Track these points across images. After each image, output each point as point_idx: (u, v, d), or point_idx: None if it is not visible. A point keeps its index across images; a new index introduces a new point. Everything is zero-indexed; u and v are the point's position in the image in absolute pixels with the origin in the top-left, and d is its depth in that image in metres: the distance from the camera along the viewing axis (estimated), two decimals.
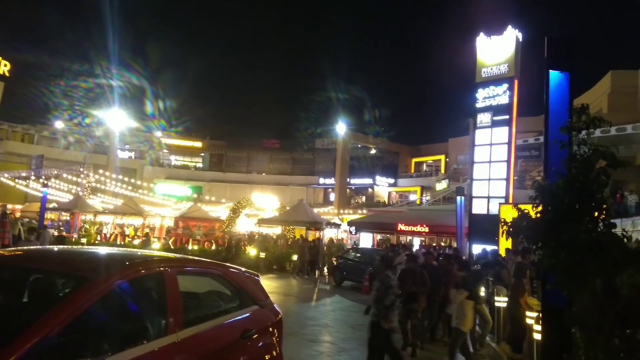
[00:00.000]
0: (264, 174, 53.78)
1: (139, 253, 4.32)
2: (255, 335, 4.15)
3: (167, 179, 50.71)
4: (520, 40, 20.73)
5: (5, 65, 36.60)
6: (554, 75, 4.52)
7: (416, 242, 28.30)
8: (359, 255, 19.10)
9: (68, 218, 27.09)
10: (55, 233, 21.09)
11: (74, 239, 21.92)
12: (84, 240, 21.99)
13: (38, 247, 4.97)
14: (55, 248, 4.20)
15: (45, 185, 23.65)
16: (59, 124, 46.34)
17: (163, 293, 3.40)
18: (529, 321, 7.00)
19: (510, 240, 12.73)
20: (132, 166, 49.08)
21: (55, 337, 2.53)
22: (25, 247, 4.41)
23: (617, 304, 3.62)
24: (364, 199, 50.98)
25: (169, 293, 3.41)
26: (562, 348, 3.93)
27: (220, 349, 3.69)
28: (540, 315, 4.86)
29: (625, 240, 3.51)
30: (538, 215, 3.97)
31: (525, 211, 3.96)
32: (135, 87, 44.39)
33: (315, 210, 29.11)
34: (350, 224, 30.20)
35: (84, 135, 45.68)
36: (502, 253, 13.88)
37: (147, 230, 25.64)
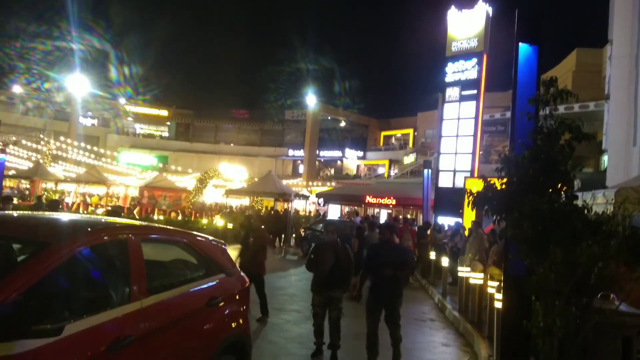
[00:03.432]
0: (232, 144, 53.17)
1: (103, 220, 4.22)
2: (222, 303, 4.14)
3: (131, 147, 49.58)
4: (490, 15, 20.82)
5: None
6: (523, 48, 4.54)
7: (383, 215, 28.72)
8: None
9: (28, 186, 26.27)
10: (16, 201, 20.42)
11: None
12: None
13: None
14: (15, 213, 4.05)
15: (2, 152, 22.75)
16: (16, 89, 44.45)
17: (126, 260, 3.32)
18: (489, 290, 7.22)
19: (474, 212, 12.99)
20: (95, 134, 47.76)
21: (11, 304, 2.44)
22: None
23: (576, 273, 3.75)
24: (332, 171, 51.16)
25: (133, 260, 3.34)
26: (522, 315, 4.05)
27: (186, 316, 3.66)
28: (502, 283, 5.01)
29: (585, 211, 3.61)
30: (503, 187, 4.04)
31: (491, 182, 4.02)
32: (97, 52, 42.93)
33: (284, 182, 29.07)
34: (318, 195, 30.35)
35: (43, 100, 43.97)
36: (467, 224, 14.22)
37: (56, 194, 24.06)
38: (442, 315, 9.88)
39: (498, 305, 6.00)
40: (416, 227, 17.92)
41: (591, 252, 3.67)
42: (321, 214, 29.38)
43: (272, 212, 23.51)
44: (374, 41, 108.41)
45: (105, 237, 3.33)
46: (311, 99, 44.64)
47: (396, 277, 6.08)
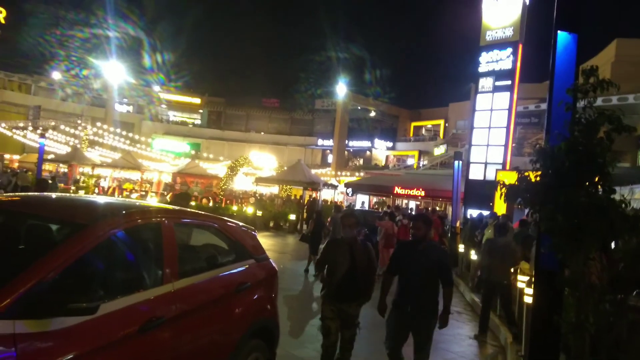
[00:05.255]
0: (262, 133, 53.50)
1: (137, 203, 4.32)
2: (251, 288, 4.19)
3: (165, 134, 50.45)
4: (527, 3, 20.28)
5: (1, 12, 35.76)
6: (562, 36, 4.39)
7: (412, 206, 28.52)
8: None
9: (66, 170, 27.06)
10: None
11: (71, 191, 21.95)
12: (82, 192, 22.03)
13: (35, 193, 4.96)
14: (53, 195, 4.18)
15: (42, 136, 23.49)
16: (56, 75, 45.68)
17: (159, 243, 3.40)
18: (519, 285, 7.11)
19: (505, 205, 12.79)
20: (130, 120, 48.71)
21: (49, 283, 2.53)
22: (23, 194, 4.40)
23: (611, 268, 3.66)
24: (361, 161, 50.97)
25: (166, 243, 3.41)
26: (552, 310, 3.97)
27: (216, 300, 3.73)
28: (533, 278, 4.92)
29: (623, 205, 3.51)
30: (537, 179, 3.95)
31: (525, 174, 3.94)
32: (132, 39, 43.63)
33: (313, 171, 29.12)
34: (347, 185, 30.31)
35: (81, 87, 45.09)
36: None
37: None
38: (470, 308, 9.79)
39: (528, 300, 5.91)
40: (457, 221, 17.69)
41: (628, 247, 3.57)
42: (349, 203, 29.38)
43: (300, 200, 23.65)
44: (406, 30, 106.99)
45: (139, 220, 3.41)
46: (341, 89, 44.42)
47: (431, 289, 4.76)
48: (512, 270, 7.68)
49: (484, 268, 7.94)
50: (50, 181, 17.83)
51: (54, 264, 2.61)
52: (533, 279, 5.02)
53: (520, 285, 7.05)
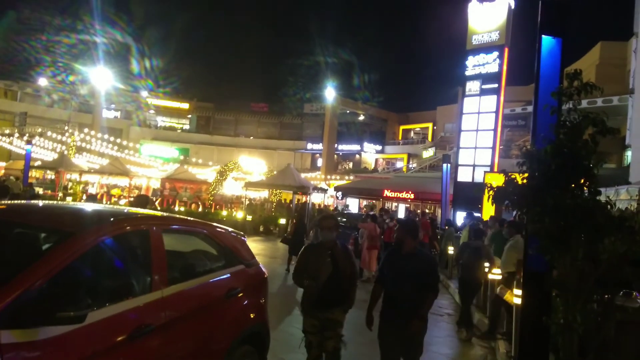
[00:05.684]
0: (251, 137, 53.36)
1: (125, 210, 4.29)
2: (241, 294, 4.18)
3: (153, 140, 50.10)
4: (513, 7, 20.51)
5: None
6: (547, 40, 4.46)
7: (401, 209, 28.62)
8: (344, 220, 19.30)
9: (53, 177, 26.79)
10: (41, 191, 20.88)
11: (59, 198, 21.75)
12: (69, 199, 21.84)
13: (22, 201, 4.91)
14: (40, 203, 4.14)
15: (29, 143, 23.26)
16: (42, 81, 45.21)
17: (148, 250, 3.38)
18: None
19: (494, 207, 12.88)
20: (118, 126, 48.32)
21: (36, 291, 2.51)
22: (10, 202, 4.35)
23: (597, 269, 3.70)
24: (351, 165, 51.04)
25: (154, 250, 3.40)
26: (541, 312, 4.01)
27: (206, 306, 3.71)
28: (522, 279, 4.96)
29: (608, 207, 3.56)
30: (524, 181, 3.99)
31: (512, 177, 3.98)
32: (120, 45, 43.28)
33: (303, 175, 29.10)
34: (337, 189, 30.38)
35: (68, 93, 44.65)
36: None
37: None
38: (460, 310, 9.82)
39: (517, 301, 5.95)
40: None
41: (614, 248, 3.61)
42: (336, 206, 29.41)
43: (290, 204, 23.63)
44: (394, 34, 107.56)
45: (127, 227, 3.39)
46: (330, 93, 44.49)
47: (419, 293, 4.49)
48: (484, 269, 8.09)
49: (460, 268, 8.43)
50: (27, 188, 17.71)
51: (41, 273, 2.59)
52: (522, 280, 5.06)
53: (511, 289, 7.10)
